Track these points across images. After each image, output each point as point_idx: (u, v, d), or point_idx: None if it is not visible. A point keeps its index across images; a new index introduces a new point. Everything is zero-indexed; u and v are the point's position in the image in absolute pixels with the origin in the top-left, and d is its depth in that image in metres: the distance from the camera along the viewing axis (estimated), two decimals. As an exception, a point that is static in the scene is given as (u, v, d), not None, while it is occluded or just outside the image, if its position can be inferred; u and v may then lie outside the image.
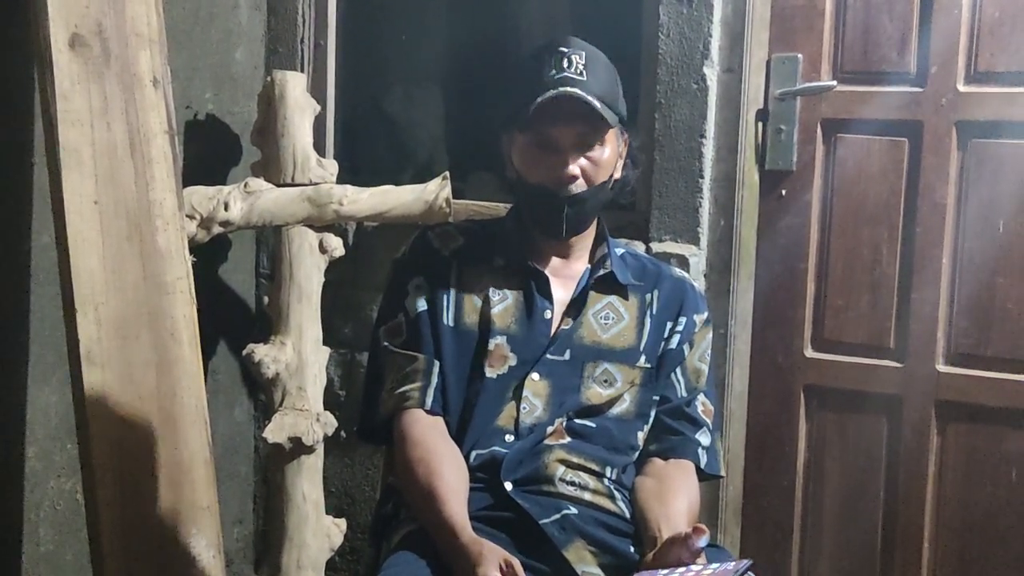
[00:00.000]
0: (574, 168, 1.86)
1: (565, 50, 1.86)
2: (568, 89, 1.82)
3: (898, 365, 2.63)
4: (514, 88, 1.91)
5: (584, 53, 1.87)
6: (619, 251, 2.03)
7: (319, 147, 2.94)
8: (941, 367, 2.59)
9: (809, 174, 2.67)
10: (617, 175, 1.95)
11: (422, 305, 1.94)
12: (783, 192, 2.70)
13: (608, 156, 1.90)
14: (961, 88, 2.53)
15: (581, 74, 1.84)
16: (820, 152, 2.67)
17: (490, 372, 1.90)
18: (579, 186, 1.87)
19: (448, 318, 1.93)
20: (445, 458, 1.85)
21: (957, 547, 2.62)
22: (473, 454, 1.87)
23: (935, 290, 2.58)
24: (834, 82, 2.63)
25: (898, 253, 2.61)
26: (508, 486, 1.83)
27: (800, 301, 2.70)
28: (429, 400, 1.90)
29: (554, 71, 1.84)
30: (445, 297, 1.94)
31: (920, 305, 2.60)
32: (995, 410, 2.55)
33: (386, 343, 1.97)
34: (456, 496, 1.79)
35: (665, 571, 1.64)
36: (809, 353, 2.71)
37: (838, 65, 2.64)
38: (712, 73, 2.65)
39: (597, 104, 1.83)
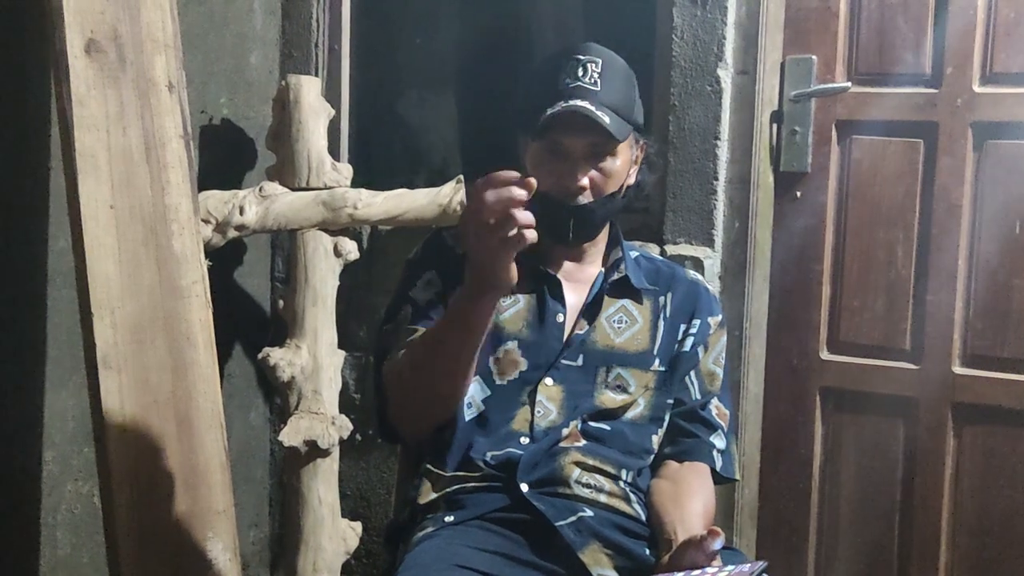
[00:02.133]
0: (583, 179, 1.86)
1: (581, 58, 1.86)
2: (577, 103, 1.82)
3: (914, 367, 2.62)
4: (529, 93, 1.91)
5: (600, 61, 1.87)
6: (633, 254, 2.03)
7: (333, 151, 2.94)
8: (957, 369, 2.58)
9: (824, 176, 2.67)
10: (631, 181, 1.95)
11: (431, 296, 1.94)
12: (798, 194, 2.69)
13: (619, 166, 1.90)
14: (976, 89, 2.52)
15: (595, 83, 1.84)
16: (835, 153, 2.66)
17: (500, 379, 1.90)
18: (586, 197, 1.87)
19: None
20: None
21: (974, 550, 2.61)
22: (488, 454, 1.87)
23: (951, 291, 2.57)
24: (849, 83, 2.62)
25: (913, 254, 2.61)
26: (524, 487, 1.83)
27: (815, 303, 2.70)
28: None
29: (568, 79, 1.84)
30: (458, 290, 1.94)
31: (936, 306, 2.59)
32: (1012, 412, 2.54)
33: (390, 328, 1.96)
34: None
35: (681, 574, 1.63)
36: (824, 355, 2.71)
37: (853, 66, 2.64)
38: (726, 75, 2.65)
39: (606, 119, 1.82)
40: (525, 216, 1.59)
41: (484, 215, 1.59)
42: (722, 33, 2.63)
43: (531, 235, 1.60)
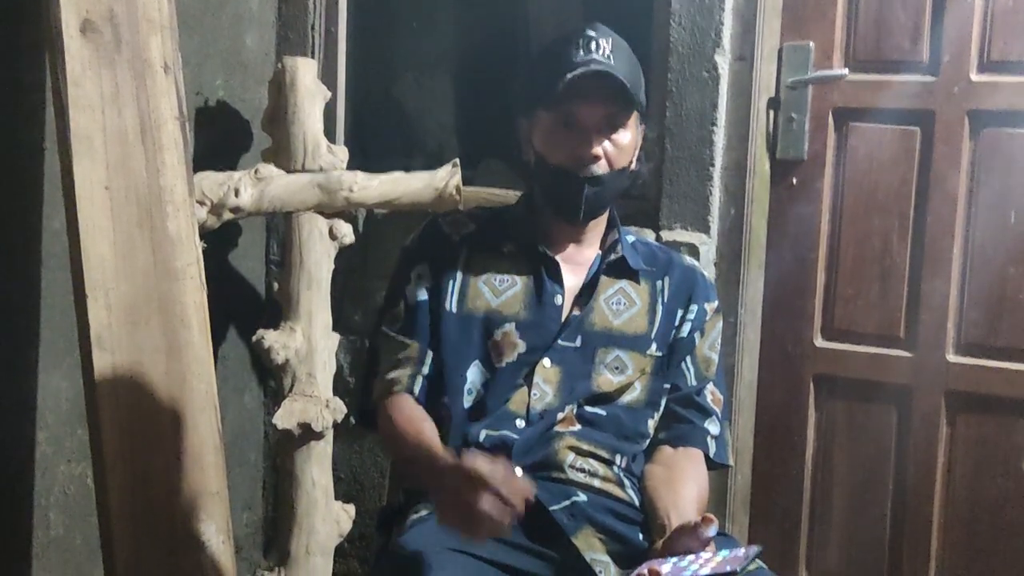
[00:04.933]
0: (597, 148, 1.87)
1: (592, 34, 1.87)
2: (598, 67, 1.83)
3: (908, 355, 2.63)
4: (539, 70, 1.92)
5: (611, 39, 1.88)
6: (630, 239, 2.04)
7: (329, 133, 2.93)
8: (951, 357, 2.59)
9: (820, 163, 2.67)
10: (634, 165, 1.96)
11: (423, 294, 1.95)
12: (794, 181, 2.69)
13: (630, 141, 1.91)
14: (973, 77, 2.52)
15: (608, 58, 1.86)
16: (831, 141, 2.66)
17: (498, 361, 1.90)
18: (601, 167, 1.88)
19: (451, 303, 1.94)
20: (428, 423, 1.88)
21: (966, 537, 2.62)
22: (483, 433, 1.87)
23: (946, 280, 2.57)
24: (846, 71, 2.62)
25: (909, 242, 2.61)
26: (518, 471, 1.83)
27: (810, 290, 2.70)
28: (417, 388, 1.92)
29: (581, 53, 1.85)
30: (450, 282, 1.95)
31: (930, 295, 2.59)
32: (1005, 400, 2.55)
33: (384, 328, 1.99)
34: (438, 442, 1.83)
35: (674, 559, 1.64)
36: (819, 342, 2.71)
37: (850, 53, 2.64)
38: (724, 61, 2.64)
39: (624, 81, 1.83)
40: (499, 516, 1.57)
41: (474, 506, 1.56)
42: (720, 19, 2.62)
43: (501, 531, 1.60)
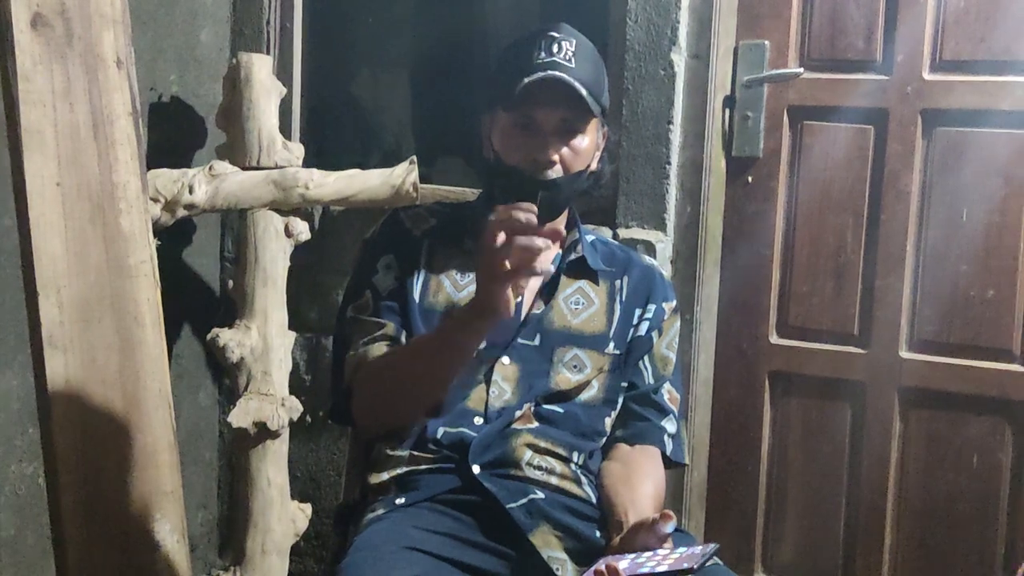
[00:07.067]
0: (553, 153, 1.87)
1: (556, 35, 1.87)
2: (557, 73, 1.83)
3: (862, 352, 2.65)
4: (500, 69, 1.91)
5: (575, 41, 1.88)
6: (589, 237, 2.04)
7: (285, 130, 2.92)
8: (904, 354, 2.61)
9: (775, 161, 2.68)
10: (594, 167, 1.96)
11: (391, 283, 1.94)
12: (749, 179, 2.71)
13: (587, 145, 1.91)
14: (927, 76, 2.55)
15: (570, 61, 1.85)
16: (786, 139, 2.68)
17: None
18: (555, 172, 1.88)
19: (416, 295, 1.93)
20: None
21: (919, 532, 2.64)
22: (441, 431, 1.87)
23: (899, 277, 2.60)
24: (801, 69, 2.64)
25: (863, 240, 2.63)
26: (476, 469, 1.83)
27: (765, 288, 2.72)
28: None
29: (543, 54, 1.85)
30: (415, 275, 1.94)
31: (884, 292, 2.62)
32: (957, 396, 2.58)
33: (353, 314, 1.96)
34: None
35: (631, 555, 1.64)
36: (774, 339, 2.73)
37: (805, 52, 2.66)
38: (680, 59, 2.65)
39: (584, 91, 1.83)
40: (526, 240, 1.60)
41: (488, 239, 1.61)
42: (676, 17, 2.63)
43: (540, 264, 1.63)
